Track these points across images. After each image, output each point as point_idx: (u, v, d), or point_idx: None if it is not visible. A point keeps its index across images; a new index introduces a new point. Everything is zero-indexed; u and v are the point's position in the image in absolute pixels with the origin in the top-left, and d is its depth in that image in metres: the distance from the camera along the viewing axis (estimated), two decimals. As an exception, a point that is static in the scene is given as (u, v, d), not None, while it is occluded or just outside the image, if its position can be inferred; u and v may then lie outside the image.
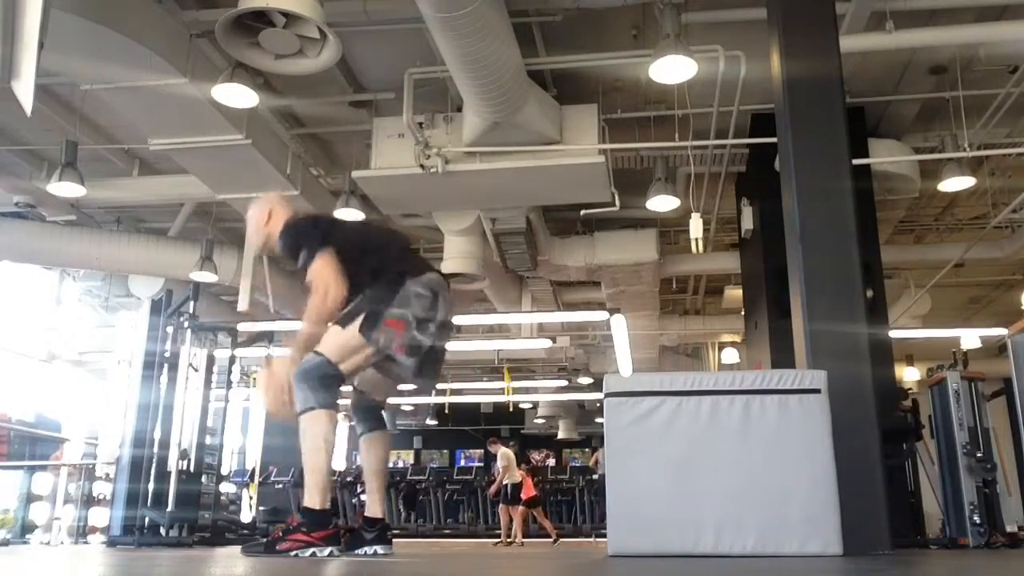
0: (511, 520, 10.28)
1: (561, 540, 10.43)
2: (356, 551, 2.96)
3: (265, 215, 3.23)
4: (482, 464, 17.79)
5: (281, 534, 2.89)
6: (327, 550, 2.77)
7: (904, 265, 9.46)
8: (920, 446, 6.14)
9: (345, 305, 2.91)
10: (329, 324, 2.91)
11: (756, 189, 7.08)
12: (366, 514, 3.11)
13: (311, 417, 2.83)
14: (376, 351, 2.88)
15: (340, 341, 2.87)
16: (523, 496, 10.19)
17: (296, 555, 2.73)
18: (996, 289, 11.46)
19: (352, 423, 3.20)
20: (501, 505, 10.46)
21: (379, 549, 3.00)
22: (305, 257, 2.98)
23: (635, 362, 11.81)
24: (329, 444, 2.85)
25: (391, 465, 17.37)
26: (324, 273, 2.90)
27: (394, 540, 3.20)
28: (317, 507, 2.81)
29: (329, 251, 2.94)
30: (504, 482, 10.31)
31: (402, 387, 3.30)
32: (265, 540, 2.92)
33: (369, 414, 3.17)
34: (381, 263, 3.02)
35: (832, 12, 4.29)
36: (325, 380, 2.85)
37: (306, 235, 3.06)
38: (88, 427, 10.32)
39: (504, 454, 10.42)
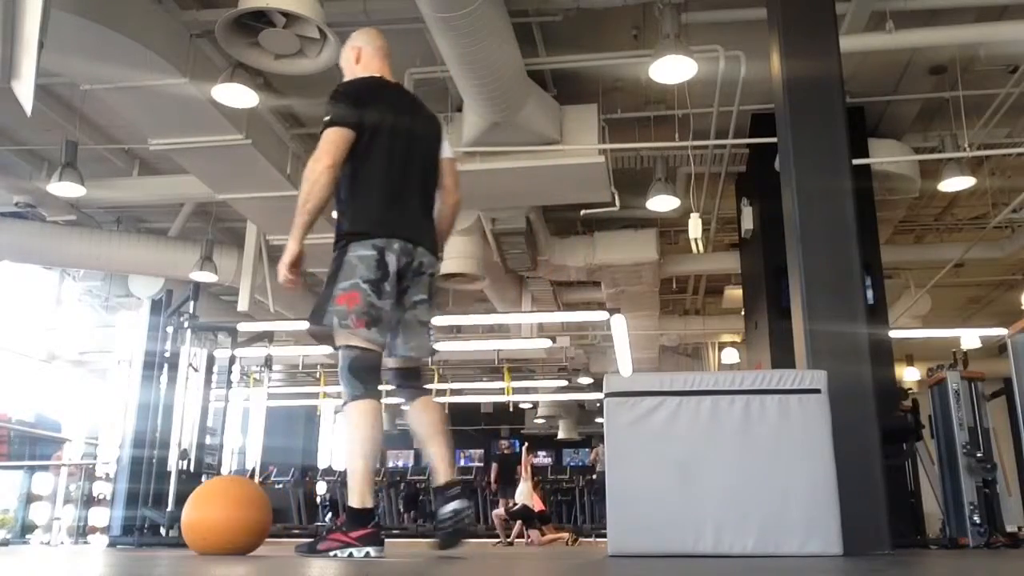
0: (520, 530, 10.21)
1: (580, 540, 10.28)
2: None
3: (354, 57, 3.03)
4: (482, 464, 17.77)
5: (325, 533, 2.79)
6: (363, 551, 2.63)
7: (904, 265, 9.47)
8: (920, 446, 6.13)
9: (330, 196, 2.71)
10: (310, 209, 2.67)
11: (756, 189, 7.07)
12: (439, 481, 2.85)
13: (348, 409, 2.71)
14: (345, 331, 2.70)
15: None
16: (535, 510, 10.20)
17: (335, 555, 2.62)
18: (996, 289, 11.46)
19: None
20: (518, 522, 10.34)
21: (456, 506, 2.76)
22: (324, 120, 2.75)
23: (635, 362, 11.81)
24: (367, 438, 2.68)
25: (392, 465, 17.33)
26: (327, 145, 2.71)
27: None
28: (356, 505, 2.69)
29: (346, 131, 2.74)
30: (520, 501, 10.27)
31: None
32: (311, 540, 2.81)
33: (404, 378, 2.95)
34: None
35: (832, 12, 4.28)
36: (351, 370, 2.71)
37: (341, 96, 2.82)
38: (88, 427, 10.33)
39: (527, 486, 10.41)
